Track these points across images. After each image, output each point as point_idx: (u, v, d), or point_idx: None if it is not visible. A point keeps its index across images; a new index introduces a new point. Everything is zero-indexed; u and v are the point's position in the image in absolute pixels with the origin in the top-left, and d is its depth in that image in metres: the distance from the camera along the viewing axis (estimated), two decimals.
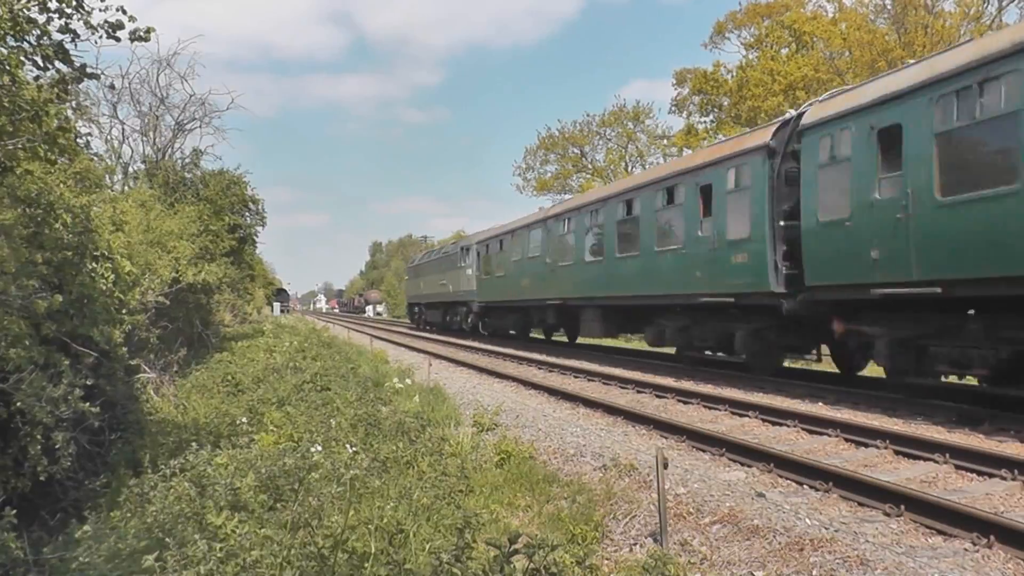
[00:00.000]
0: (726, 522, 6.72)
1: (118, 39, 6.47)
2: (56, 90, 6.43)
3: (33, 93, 6.21)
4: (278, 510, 6.11)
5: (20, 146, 6.26)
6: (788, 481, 7.98)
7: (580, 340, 30.63)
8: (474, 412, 12.53)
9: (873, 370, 17.94)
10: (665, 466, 6.47)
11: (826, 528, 6.26)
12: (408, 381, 15.56)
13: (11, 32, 5.80)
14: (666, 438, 10.52)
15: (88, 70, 6.72)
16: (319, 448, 7.76)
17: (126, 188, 22.09)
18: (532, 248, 27.14)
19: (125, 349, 9.79)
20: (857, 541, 5.91)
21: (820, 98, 14.31)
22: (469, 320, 36.83)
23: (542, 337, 33.18)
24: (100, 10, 6.32)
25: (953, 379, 12.24)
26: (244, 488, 6.28)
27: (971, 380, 11.77)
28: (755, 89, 36.23)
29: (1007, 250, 9.39)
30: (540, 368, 21.00)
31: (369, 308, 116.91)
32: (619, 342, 30.49)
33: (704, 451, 9.58)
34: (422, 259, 50.18)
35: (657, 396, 14.38)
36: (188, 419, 11.18)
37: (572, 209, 23.94)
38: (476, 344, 31.70)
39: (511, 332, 33.29)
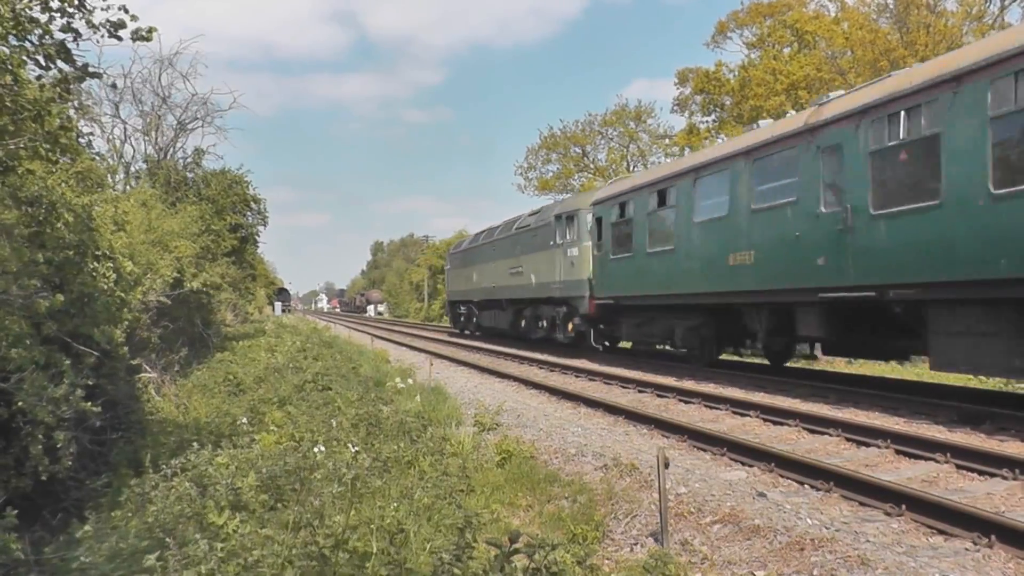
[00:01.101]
0: (727, 522, 6.72)
1: (120, 38, 6.47)
2: (58, 89, 6.42)
3: (35, 92, 6.21)
4: (279, 510, 6.13)
5: (22, 146, 6.27)
6: (789, 481, 7.98)
7: (832, 365, 19.52)
8: (475, 412, 12.53)
9: (872, 368, 17.96)
10: (666, 466, 6.47)
11: (827, 528, 6.26)
12: (409, 381, 15.58)
13: (13, 31, 5.80)
14: (667, 438, 10.51)
15: (90, 69, 6.72)
16: (321, 448, 7.78)
17: (128, 188, 22.11)
18: (765, 192, 14.33)
19: (126, 349, 9.80)
20: (858, 541, 5.90)
21: None
22: (571, 327, 23.25)
23: (736, 357, 19.83)
24: (102, 9, 6.33)
25: None
26: (245, 488, 6.29)
27: None
28: (757, 88, 36.18)
29: None
30: (541, 368, 20.99)
31: (371, 308, 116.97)
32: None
33: (705, 451, 9.58)
34: (476, 241, 35.76)
35: (658, 396, 14.37)
36: (189, 419, 11.20)
37: (923, 87, 10.90)
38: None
39: (682, 349, 19.06)
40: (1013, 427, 9.82)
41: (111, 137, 24.06)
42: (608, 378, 17.15)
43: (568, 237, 23.46)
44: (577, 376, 18.48)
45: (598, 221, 21.64)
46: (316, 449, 7.66)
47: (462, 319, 38.90)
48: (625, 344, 23.75)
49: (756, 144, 14.74)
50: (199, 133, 26.58)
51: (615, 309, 21.18)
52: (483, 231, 35.97)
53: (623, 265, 20.02)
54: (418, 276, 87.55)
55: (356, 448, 8.25)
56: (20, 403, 6.44)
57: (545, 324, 26.04)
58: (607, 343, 23.49)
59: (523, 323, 28.50)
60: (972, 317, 10.49)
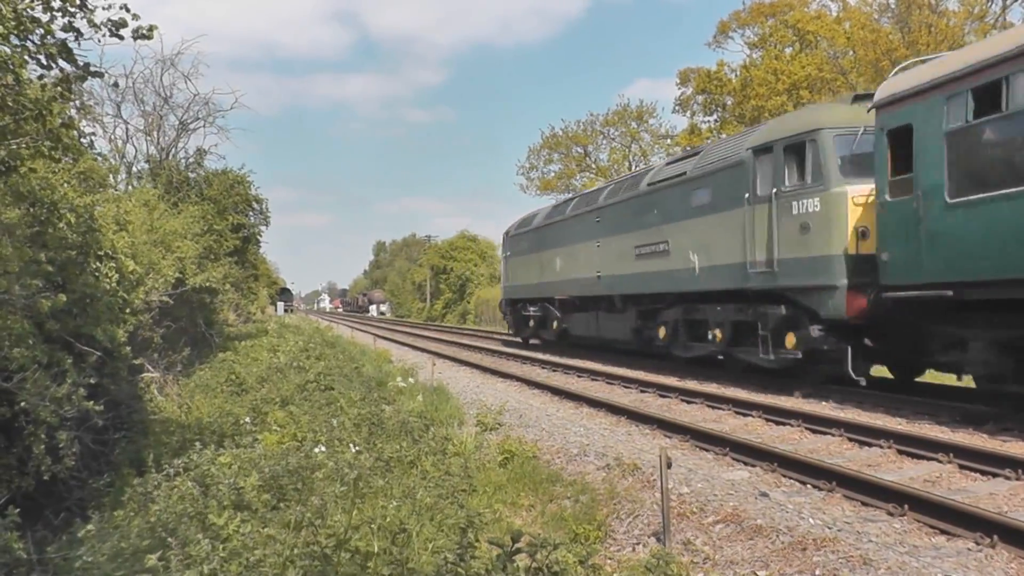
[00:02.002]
0: (729, 522, 6.72)
1: (121, 37, 6.47)
2: (60, 89, 6.43)
3: (37, 92, 6.22)
4: (281, 509, 6.13)
5: (24, 145, 6.27)
6: (791, 481, 7.97)
7: None
8: (477, 411, 12.52)
9: (874, 370, 17.94)
10: (668, 466, 6.46)
11: (829, 528, 6.25)
12: (411, 381, 15.58)
13: (15, 31, 5.80)
14: (670, 437, 10.50)
15: (92, 69, 6.73)
16: (321, 448, 7.79)
17: (130, 188, 22.12)
18: None
19: (129, 348, 9.81)
20: (860, 541, 5.89)
21: None
22: (793, 340, 13.39)
23: None
24: (103, 8, 6.34)
25: None
26: (247, 488, 6.30)
27: None
28: (759, 88, 36.19)
29: None
30: (544, 367, 20.98)
31: (373, 308, 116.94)
32: None
33: (707, 451, 9.56)
34: (559, 214, 24.97)
35: (661, 395, 14.36)
36: (192, 418, 11.21)
37: None
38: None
39: None
40: (1016, 427, 9.80)
41: (113, 137, 24.11)
42: (610, 378, 17.13)
43: (790, 182, 13.34)
44: (579, 376, 18.45)
45: (896, 137, 11.46)
46: (317, 449, 7.67)
47: (531, 324, 27.44)
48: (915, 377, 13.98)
49: None
50: (201, 133, 26.59)
51: (939, 309, 10.89)
52: (572, 197, 25.94)
53: (995, 214, 9.71)
54: (420, 276, 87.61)
55: (357, 448, 8.26)
56: (23, 403, 6.45)
57: (719, 335, 15.41)
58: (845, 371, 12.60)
59: (663, 332, 17.63)
60: None
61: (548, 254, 25.14)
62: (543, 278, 25.66)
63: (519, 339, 30.65)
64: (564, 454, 9.89)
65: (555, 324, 25.02)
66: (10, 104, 5.95)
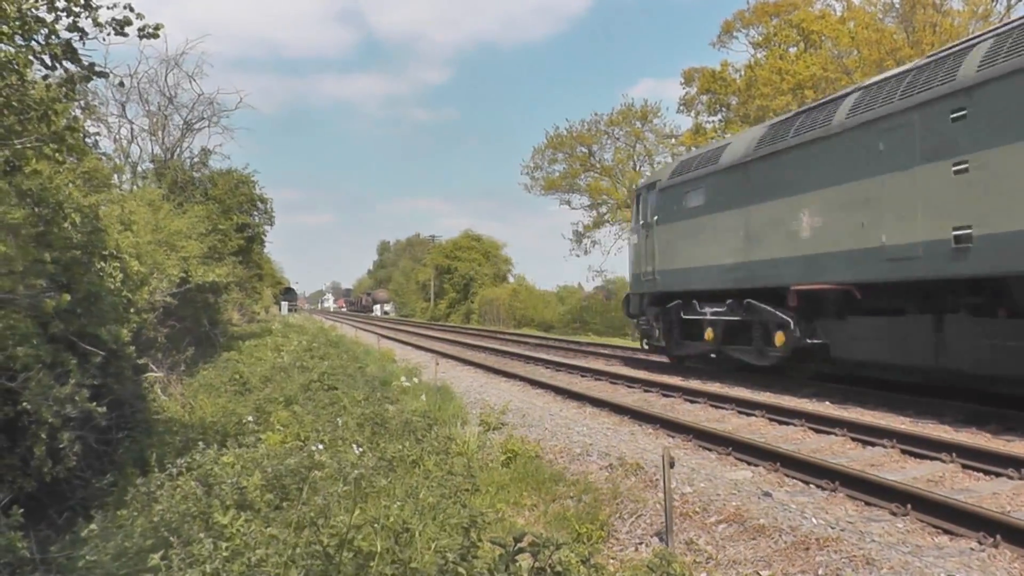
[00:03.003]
0: (732, 521, 6.71)
1: (126, 35, 6.47)
2: (64, 89, 6.44)
3: (41, 92, 6.23)
4: (284, 509, 6.14)
5: (28, 145, 6.29)
6: (794, 480, 7.96)
7: None
8: (481, 411, 12.52)
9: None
10: (671, 465, 6.45)
11: (832, 527, 6.25)
12: (415, 380, 15.60)
13: (19, 31, 5.82)
14: (672, 437, 10.49)
15: (96, 69, 6.74)
16: (319, 446, 7.82)
17: (134, 187, 22.19)
18: None
19: (133, 348, 9.83)
20: (863, 540, 5.89)
21: None
22: None
23: None
24: (108, 7, 6.34)
25: None
26: (250, 487, 6.31)
27: None
28: (763, 88, 36.09)
29: None
30: (547, 367, 20.97)
31: (377, 307, 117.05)
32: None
33: (710, 450, 9.56)
34: (811, 125, 12.99)
35: (664, 395, 14.35)
36: (195, 418, 11.22)
37: None
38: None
39: None
40: (1019, 427, 9.79)
41: (118, 137, 24.26)
42: (614, 378, 17.12)
43: None
44: (583, 376, 18.44)
45: None
46: (314, 447, 7.69)
47: (705, 334, 16.54)
48: None
49: None
50: (205, 133, 26.81)
51: None
52: (844, 92, 13.20)
53: None
54: (424, 276, 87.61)
55: (361, 449, 8.27)
56: (26, 403, 6.46)
57: None
58: None
59: None
60: None
61: (771, 208, 14.21)
62: (753, 254, 14.79)
63: (669, 358, 19.26)
64: (567, 454, 9.89)
65: (780, 336, 14.05)
66: (15, 104, 5.97)
